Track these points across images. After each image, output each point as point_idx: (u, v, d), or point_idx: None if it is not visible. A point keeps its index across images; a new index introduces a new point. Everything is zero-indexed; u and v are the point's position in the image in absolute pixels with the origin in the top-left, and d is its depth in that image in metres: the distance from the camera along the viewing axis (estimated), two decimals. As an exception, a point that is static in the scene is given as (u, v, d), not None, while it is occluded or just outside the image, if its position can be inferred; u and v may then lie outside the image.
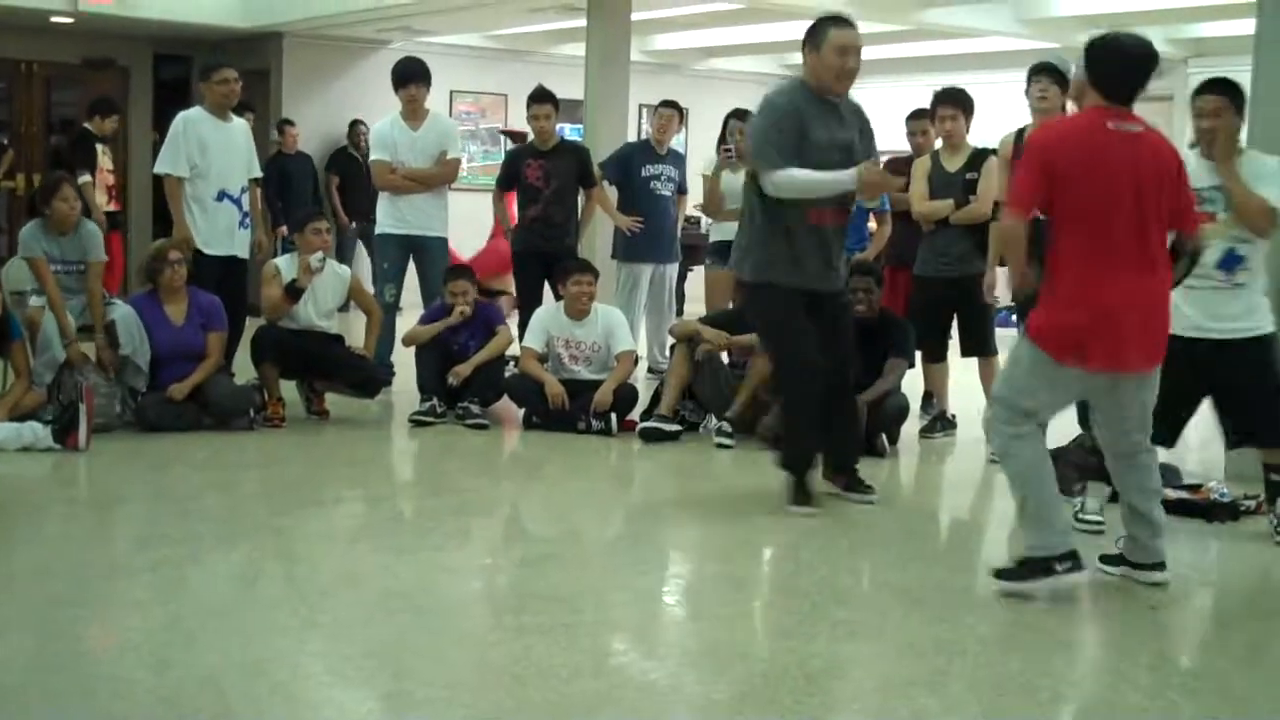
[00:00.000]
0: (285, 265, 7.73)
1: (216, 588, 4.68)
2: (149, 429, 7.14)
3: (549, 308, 8.08)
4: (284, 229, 11.08)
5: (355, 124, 13.86)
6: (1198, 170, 5.46)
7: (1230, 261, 5.52)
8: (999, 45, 13.93)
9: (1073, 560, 4.62)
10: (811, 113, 5.74)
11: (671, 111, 9.79)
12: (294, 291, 7.56)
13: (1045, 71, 6.69)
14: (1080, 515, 5.67)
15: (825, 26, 5.82)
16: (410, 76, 8.66)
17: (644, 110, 10.26)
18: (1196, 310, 5.50)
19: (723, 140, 8.49)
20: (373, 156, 8.84)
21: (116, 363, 7.22)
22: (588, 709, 3.56)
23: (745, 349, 7.58)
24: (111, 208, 11.25)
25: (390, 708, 3.59)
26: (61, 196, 7.40)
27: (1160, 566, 4.84)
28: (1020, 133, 6.81)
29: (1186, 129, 13.25)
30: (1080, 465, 6.28)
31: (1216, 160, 5.52)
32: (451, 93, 14.76)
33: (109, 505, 6.07)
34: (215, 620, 4.18)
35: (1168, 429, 5.55)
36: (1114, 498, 5.78)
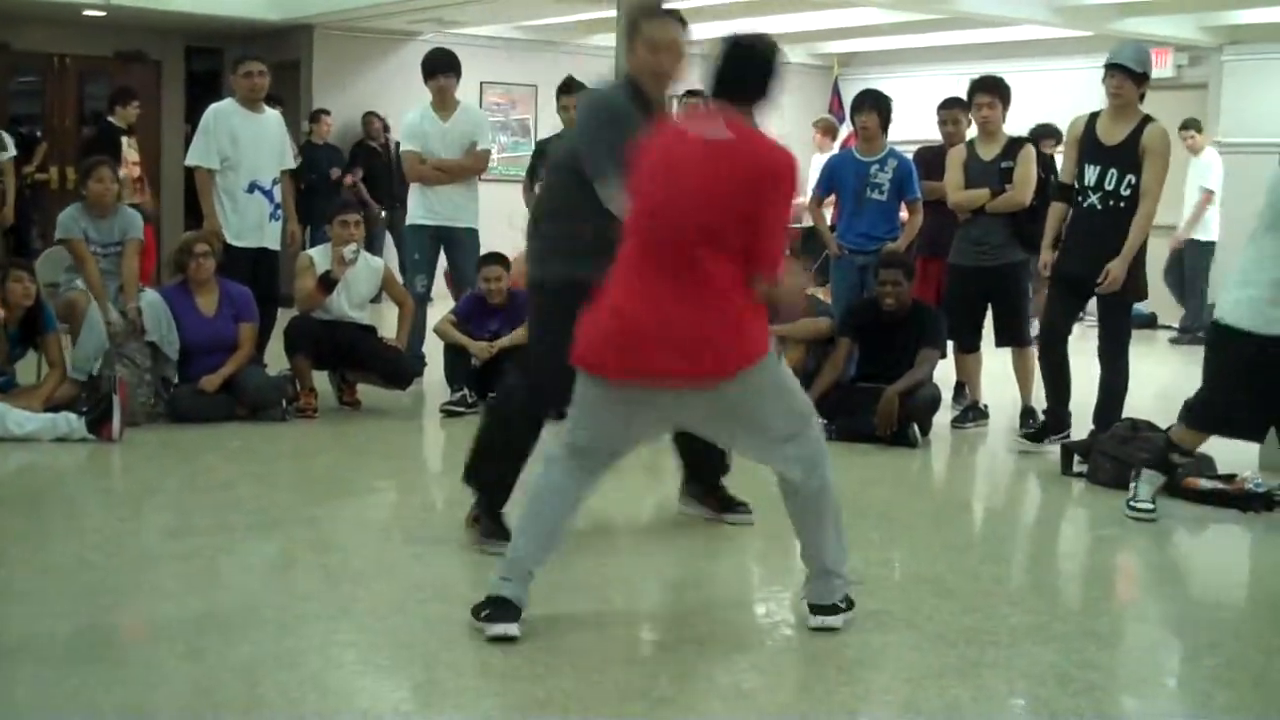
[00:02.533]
0: (319, 256, 7.76)
1: (249, 577, 4.70)
2: (182, 420, 7.17)
3: (580, 298, 8.06)
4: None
5: (369, 115, 13.95)
6: None
7: None
8: (1031, 34, 13.86)
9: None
10: (637, 119, 4.56)
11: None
12: (328, 283, 7.59)
13: (1119, 69, 6.59)
14: (1131, 503, 5.63)
15: (638, 19, 4.98)
16: (440, 67, 8.66)
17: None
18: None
19: None
20: (403, 147, 8.85)
21: (139, 324, 7.26)
22: (619, 698, 3.56)
23: (777, 340, 7.55)
24: (136, 200, 11.28)
25: (421, 697, 3.60)
26: (97, 178, 7.55)
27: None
28: (1093, 117, 6.74)
29: (1220, 117, 13.24)
30: (1114, 454, 6.26)
31: None
32: (482, 84, 14.75)
33: (142, 495, 6.10)
34: (248, 610, 4.20)
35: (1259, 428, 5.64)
36: (1169, 487, 5.80)
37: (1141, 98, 6.63)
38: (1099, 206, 6.58)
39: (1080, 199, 6.67)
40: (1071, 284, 6.77)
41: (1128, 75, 6.52)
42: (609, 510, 5.92)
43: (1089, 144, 6.65)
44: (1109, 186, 6.54)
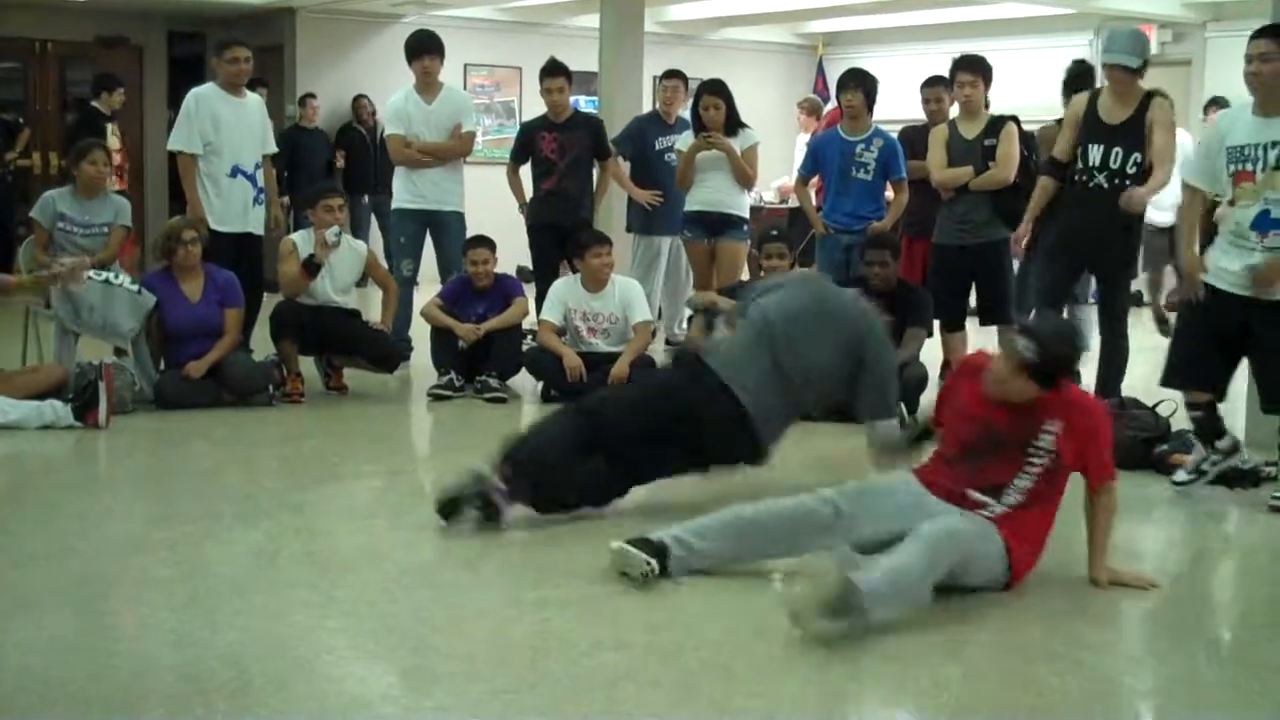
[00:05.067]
0: (302, 241, 7.74)
1: (236, 564, 4.69)
2: (168, 407, 7.15)
3: (566, 280, 8.07)
4: (285, 199, 11.37)
5: (359, 98, 13.91)
6: (1240, 125, 5.50)
7: (1263, 223, 5.39)
8: (1014, 11, 13.85)
9: None
10: None
11: (677, 82, 9.76)
12: (311, 267, 7.57)
13: (1117, 68, 6.63)
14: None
15: None
16: (424, 49, 8.63)
17: (658, 82, 10.30)
18: (1236, 266, 5.47)
19: (696, 114, 8.55)
20: (387, 131, 8.82)
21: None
22: (608, 682, 3.56)
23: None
24: (118, 187, 11.25)
25: (410, 682, 3.60)
26: (90, 160, 7.59)
27: None
28: (1095, 95, 6.77)
29: (1204, 94, 13.23)
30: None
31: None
32: (465, 66, 14.71)
33: (129, 483, 6.09)
34: (235, 597, 4.19)
35: (1215, 378, 5.61)
36: (1156, 464, 5.86)
37: (1141, 77, 6.72)
38: (1106, 186, 6.60)
39: (1084, 179, 6.68)
40: (1073, 262, 6.82)
41: (1127, 71, 6.58)
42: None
43: (1091, 123, 6.68)
44: (1114, 165, 6.59)
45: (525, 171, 8.98)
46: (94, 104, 11.99)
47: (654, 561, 4.34)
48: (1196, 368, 5.66)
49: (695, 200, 8.68)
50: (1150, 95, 6.66)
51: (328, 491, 5.82)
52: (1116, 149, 6.58)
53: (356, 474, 6.21)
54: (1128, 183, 6.57)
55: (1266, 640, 4.10)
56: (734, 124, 8.54)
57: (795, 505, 4.40)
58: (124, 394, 6.93)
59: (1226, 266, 5.54)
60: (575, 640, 3.85)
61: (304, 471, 6.13)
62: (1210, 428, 5.75)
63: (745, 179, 8.63)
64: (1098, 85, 7.31)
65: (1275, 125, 5.39)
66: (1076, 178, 6.74)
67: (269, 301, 7.99)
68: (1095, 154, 6.64)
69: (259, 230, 8.12)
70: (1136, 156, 6.55)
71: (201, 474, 6.00)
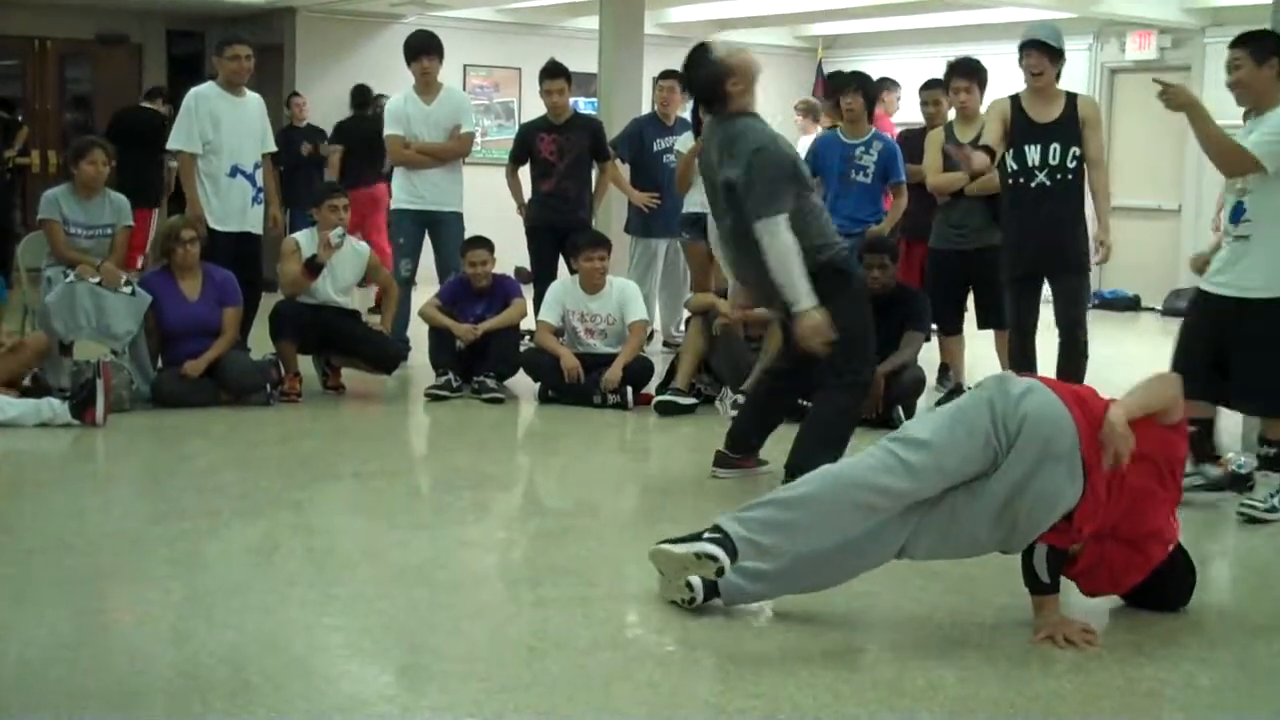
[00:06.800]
0: (305, 240, 7.74)
1: (234, 562, 4.69)
2: (165, 405, 7.15)
3: (564, 282, 8.08)
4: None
5: (378, 98, 13.89)
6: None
7: (1237, 214, 5.58)
8: (1014, 16, 13.85)
9: None
10: None
11: (672, 82, 9.71)
12: (313, 267, 7.57)
13: (1036, 46, 6.63)
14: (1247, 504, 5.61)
15: None
16: (423, 50, 8.64)
17: (655, 82, 10.27)
18: (1217, 264, 5.66)
19: (696, 117, 8.49)
20: (386, 131, 8.82)
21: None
22: (605, 681, 3.57)
23: (761, 322, 7.56)
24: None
25: (407, 681, 3.61)
26: (90, 160, 7.52)
27: None
28: (1015, 99, 6.77)
29: (1203, 99, 13.22)
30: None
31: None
32: (465, 67, 14.71)
33: (127, 480, 6.09)
34: (233, 594, 4.20)
35: (1205, 381, 5.53)
36: None
37: (1058, 76, 6.73)
38: (1048, 183, 6.62)
39: (1024, 179, 6.68)
40: (1033, 271, 6.80)
41: (1045, 53, 6.60)
42: (594, 494, 5.94)
43: (1022, 125, 6.70)
44: (1054, 161, 6.63)
45: (524, 173, 8.98)
46: (156, 107, 12.13)
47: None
48: (1194, 379, 5.64)
49: (694, 202, 8.67)
50: (1073, 95, 6.75)
51: (325, 490, 5.82)
52: (1054, 145, 6.62)
53: (354, 473, 6.21)
54: (1069, 176, 6.63)
55: (1264, 644, 4.11)
56: (734, 127, 8.52)
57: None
58: (121, 392, 6.93)
59: (1215, 269, 5.67)
60: (572, 640, 3.85)
61: (301, 470, 6.13)
62: (1199, 446, 5.68)
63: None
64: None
65: (1249, 125, 5.65)
66: (1015, 180, 6.73)
67: (267, 301, 8.00)
68: (1033, 154, 6.66)
69: (258, 230, 8.12)
70: (1075, 150, 6.62)
71: (199, 472, 6.01)
